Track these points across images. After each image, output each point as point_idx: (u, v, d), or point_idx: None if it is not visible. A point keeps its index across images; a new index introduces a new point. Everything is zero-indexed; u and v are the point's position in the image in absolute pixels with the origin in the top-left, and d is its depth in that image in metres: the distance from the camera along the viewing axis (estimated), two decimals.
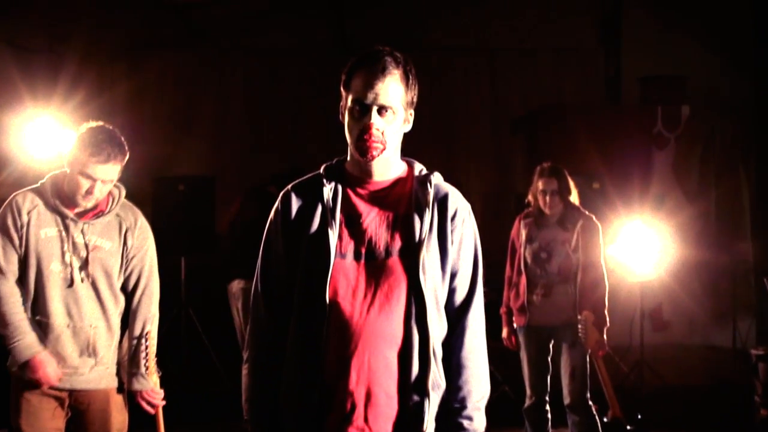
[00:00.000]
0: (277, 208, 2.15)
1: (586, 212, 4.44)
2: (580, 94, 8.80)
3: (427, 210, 2.08)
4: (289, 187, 2.17)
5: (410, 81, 2.07)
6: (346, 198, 2.11)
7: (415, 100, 2.10)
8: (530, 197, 4.49)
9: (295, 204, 2.12)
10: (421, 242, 2.04)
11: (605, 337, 4.30)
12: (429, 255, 2.05)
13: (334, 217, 2.07)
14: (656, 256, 6.22)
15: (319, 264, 2.04)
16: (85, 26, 7.36)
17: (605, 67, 9.03)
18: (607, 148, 7.74)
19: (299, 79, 8.36)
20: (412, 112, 2.12)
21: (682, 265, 7.14)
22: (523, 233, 4.47)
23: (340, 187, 2.11)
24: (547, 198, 4.38)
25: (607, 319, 4.33)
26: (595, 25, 8.94)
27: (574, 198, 4.44)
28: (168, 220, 6.39)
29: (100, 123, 3.11)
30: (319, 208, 2.09)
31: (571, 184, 4.41)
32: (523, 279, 4.45)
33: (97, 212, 3.13)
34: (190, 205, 6.70)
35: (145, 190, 6.27)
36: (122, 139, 3.09)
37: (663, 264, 6.48)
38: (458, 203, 2.13)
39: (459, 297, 2.12)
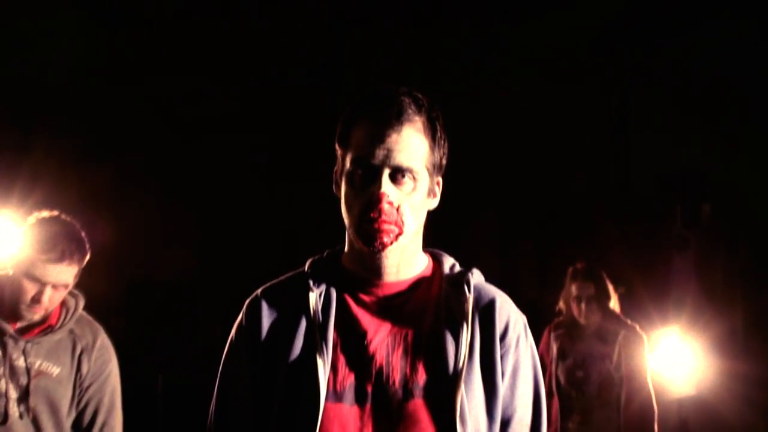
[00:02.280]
0: (240, 323, 1.47)
1: (629, 321, 3.84)
2: (590, 192, 8.38)
3: (464, 326, 1.41)
4: (258, 292, 1.50)
5: (437, 134, 1.43)
6: (343, 308, 1.44)
7: (444, 162, 1.46)
8: (561, 304, 3.89)
9: (266, 317, 1.45)
10: (456, 375, 1.37)
11: None
12: (470, 395, 1.38)
13: (324, 338, 1.40)
14: (694, 369, 5.66)
15: (301, 409, 1.37)
16: (60, 121, 6.88)
17: (615, 163, 8.65)
18: (625, 250, 7.27)
19: (296, 178, 7.87)
20: (440, 180, 1.48)
21: (713, 377, 6.57)
22: (554, 347, 3.83)
23: (334, 292, 1.45)
24: (583, 305, 3.77)
25: None
26: (603, 120, 8.59)
27: (614, 305, 3.85)
28: (143, 333, 6.03)
29: (55, 213, 2.48)
30: (303, 324, 1.43)
31: (611, 288, 3.84)
32: (556, 402, 3.79)
33: (44, 327, 2.46)
34: (168, 316, 6.31)
35: (118, 299, 5.87)
36: (83, 234, 2.47)
37: (700, 378, 5.93)
38: (510, 314, 1.47)
39: None
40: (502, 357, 1.43)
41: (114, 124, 7.21)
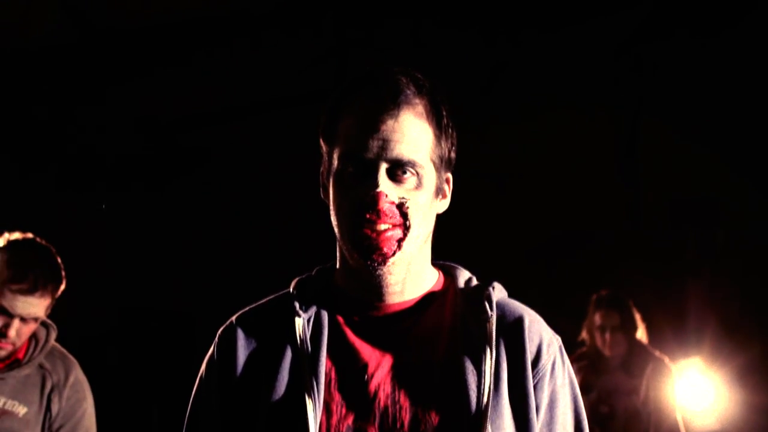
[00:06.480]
0: (212, 357, 1.24)
1: (657, 353, 3.67)
2: (599, 220, 8.22)
3: (487, 351, 1.18)
4: (234, 319, 1.26)
5: (443, 120, 1.20)
6: (337, 336, 1.20)
7: (453, 156, 1.23)
8: (585, 334, 3.73)
9: (243, 349, 1.21)
10: (480, 413, 1.13)
11: None
12: None
13: (315, 373, 1.16)
14: (717, 403, 5.52)
15: None
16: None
17: (625, 189, 8.50)
18: (637, 279, 7.10)
19: (301, 205, 7.67)
20: (450, 177, 1.25)
21: (736, 411, 6.37)
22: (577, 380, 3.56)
23: (325, 317, 1.21)
24: (607, 336, 3.58)
25: None
26: (612, 147, 8.45)
27: (642, 335, 3.67)
28: (138, 363, 5.80)
29: (29, 236, 2.23)
30: (288, 357, 1.18)
31: (638, 317, 3.67)
32: None
33: (10, 362, 2.22)
34: (164, 345, 6.07)
35: (112, 327, 5.60)
36: (59, 261, 2.23)
37: (723, 412, 5.73)
38: (542, 335, 1.25)
39: None
40: (535, 387, 1.21)
41: (107, 151, 7.09)
